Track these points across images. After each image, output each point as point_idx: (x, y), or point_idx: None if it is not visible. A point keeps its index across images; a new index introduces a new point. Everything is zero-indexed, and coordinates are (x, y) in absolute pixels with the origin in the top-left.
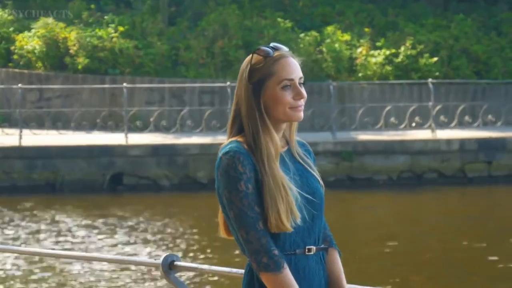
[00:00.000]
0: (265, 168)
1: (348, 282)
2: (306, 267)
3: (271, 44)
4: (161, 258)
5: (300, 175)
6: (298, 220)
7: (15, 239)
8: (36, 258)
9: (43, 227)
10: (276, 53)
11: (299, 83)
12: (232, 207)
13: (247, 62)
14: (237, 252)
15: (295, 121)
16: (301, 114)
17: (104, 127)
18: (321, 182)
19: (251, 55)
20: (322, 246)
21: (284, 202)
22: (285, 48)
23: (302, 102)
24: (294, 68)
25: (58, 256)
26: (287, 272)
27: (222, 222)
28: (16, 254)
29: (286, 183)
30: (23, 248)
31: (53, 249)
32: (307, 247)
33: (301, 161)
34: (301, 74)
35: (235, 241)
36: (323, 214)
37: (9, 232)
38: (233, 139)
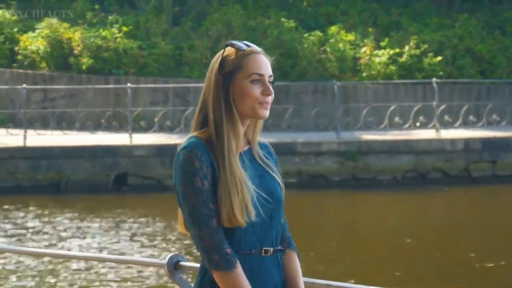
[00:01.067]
0: (224, 161)
1: (348, 280)
2: (261, 267)
3: (245, 42)
4: (167, 258)
5: (259, 175)
6: (253, 217)
7: (20, 239)
8: (46, 259)
9: (47, 227)
10: (249, 49)
11: (269, 81)
12: (187, 203)
13: (219, 55)
14: None
15: (260, 118)
16: (267, 112)
17: (109, 127)
18: (281, 184)
19: (223, 47)
20: (279, 247)
21: (239, 196)
22: (257, 48)
23: (269, 99)
24: (265, 65)
25: (63, 257)
26: (239, 272)
27: (180, 217)
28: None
29: (244, 179)
30: (28, 248)
31: (60, 249)
32: (264, 248)
33: (260, 162)
34: (271, 73)
35: (191, 237)
36: (281, 215)
37: (14, 232)
38: (193, 134)
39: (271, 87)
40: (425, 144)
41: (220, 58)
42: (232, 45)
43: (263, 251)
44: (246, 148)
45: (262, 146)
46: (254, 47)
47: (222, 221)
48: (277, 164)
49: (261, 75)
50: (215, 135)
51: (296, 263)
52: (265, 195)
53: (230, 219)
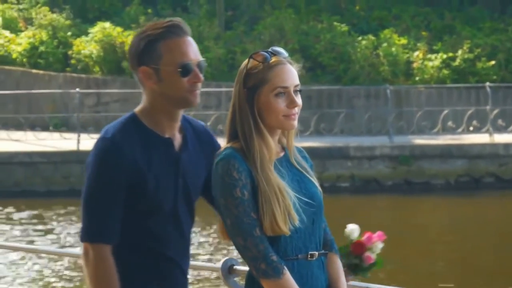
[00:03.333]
0: (259, 173)
1: (399, 284)
2: (308, 272)
3: (270, 49)
4: (221, 262)
5: (297, 180)
6: (297, 222)
7: (73, 244)
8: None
9: None
10: (273, 59)
11: (294, 91)
12: (228, 214)
13: (244, 66)
14: None
15: (287, 129)
16: (294, 123)
17: None
18: (319, 187)
19: (247, 59)
20: (323, 251)
21: (281, 205)
22: (284, 53)
23: (295, 110)
24: (290, 75)
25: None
26: (288, 277)
27: (220, 227)
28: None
29: (282, 187)
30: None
31: None
32: (309, 252)
33: (298, 166)
34: (296, 82)
35: (235, 247)
36: (322, 218)
37: (66, 233)
38: (229, 145)
39: (297, 98)
40: (478, 149)
41: (244, 71)
42: (255, 57)
43: (309, 256)
44: (281, 154)
45: (298, 150)
46: (281, 54)
47: (265, 231)
48: (313, 168)
49: (286, 87)
50: (246, 148)
51: (338, 266)
52: (306, 200)
53: (273, 228)
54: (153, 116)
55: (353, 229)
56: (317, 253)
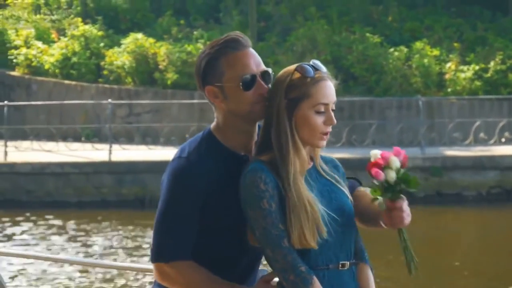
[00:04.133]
0: (290, 185)
1: None
2: (339, 282)
3: (311, 62)
4: None
5: (327, 190)
6: (325, 235)
7: (105, 254)
8: (115, 271)
9: (130, 242)
10: (317, 74)
11: (332, 109)
12: (257, 226)
13: (286, 77)
14: None
15: (317, 147)
16: (324, 143)
17: None
18: (350, 197)
19: (291, 70)
20: (354, 261)
21: (310, 219)
22: (324, 68)
23: (330, 128)
24: (331, 92)
25: (134, 270)
26: (317, 287)
27: (250, 233)
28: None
29: (312, 200)
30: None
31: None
32: (340, 262)
33: (327, 176)
34: (335, 98)
35: (264, 258)
36: (354, 228)
37: (97, 244)
38: (256, 158)
39: (333, 116)
40: (510, 160)
41: (287, 82)
42: (300, 70)
43: (340, 265)
44: (310, 165)
45: (328, 160)
46: (322, 69)
47: (293, 244)
48: (345, 178)
49: (326, 104)
50: (281, 159)
51: (369, 276)
52: (336, 211)
53: (301, 242)
54: (227, 133)
55: (375, 153)
56: (348, 262)
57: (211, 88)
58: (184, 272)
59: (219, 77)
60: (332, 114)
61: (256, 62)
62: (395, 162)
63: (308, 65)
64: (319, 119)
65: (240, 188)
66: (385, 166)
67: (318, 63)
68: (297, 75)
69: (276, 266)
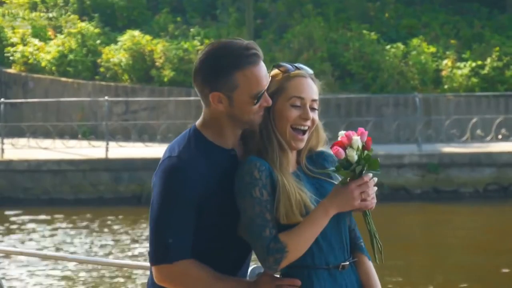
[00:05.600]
0: (277, 168)
1: None
2: (342, 281)
3: (296, 64)
4: (248, 271)
5: (315, 187)
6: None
7: (103, 251)
8: (113, 269)
9: (127, 238)
10: (295, 71)
11: (312, 108)
12: (244, 215)
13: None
14: None
15: (292, 148)
16: (300, 144)
17: None
18: None
19: (272, 67)
20: (352, 258)
21: (297, 195)
22: (308, 70)
23: (306, 123)
24: (308, 88)
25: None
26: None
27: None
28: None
29: (301, 186)
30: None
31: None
32: (341, 263)
33: (312, 174)
34: (314, 97)
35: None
36: (347, 220)
37: (97, 243)
38: (249, 154)
39: (313, 114)
40: (507, 157)
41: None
42: (279, 67)
43: (340, 266)
44: (296, 167)
45: (319, 155)
46: (303, 70)
47: (278, 217)
48: (336, 163)
49: (301, 98)
50: (264, 151)
51: (368, 267)
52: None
53: (287, 215)
54: (216, 129)
55: (341, 133)
56: (348, 262)
57: (218, 94)
58: (189, 271)
59: (232, 89)
60: (309, 110)
61: (266, 76)
62: (357, 141)
63: (291, 64)
64: (294, 113)
65: (235, 178)
66: (347, 145)
67: (302, 65)
68: (276, 71)
69: (257, 254)
